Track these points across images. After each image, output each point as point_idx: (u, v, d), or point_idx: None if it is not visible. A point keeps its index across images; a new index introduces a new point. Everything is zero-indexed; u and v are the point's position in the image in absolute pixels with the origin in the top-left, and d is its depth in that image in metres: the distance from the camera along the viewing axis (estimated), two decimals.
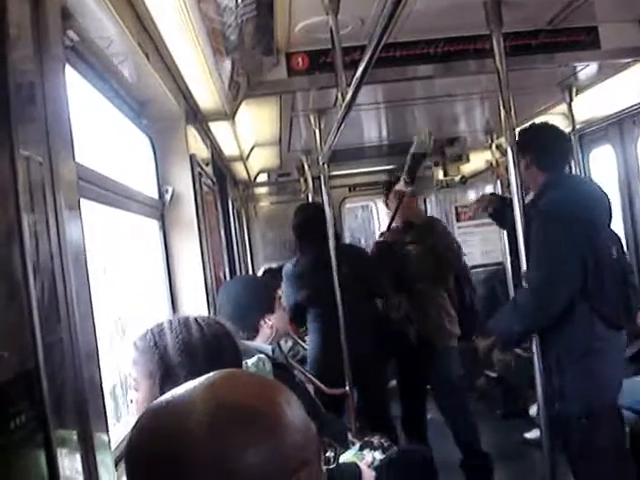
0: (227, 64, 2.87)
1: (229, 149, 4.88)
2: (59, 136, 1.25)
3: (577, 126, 4.51)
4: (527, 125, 3.36)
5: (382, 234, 4.81)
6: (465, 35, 3.26)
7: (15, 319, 1.01)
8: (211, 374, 0.94)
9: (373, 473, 2.51)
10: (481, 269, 6.96)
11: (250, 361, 2.36)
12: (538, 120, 3.62)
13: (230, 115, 3.63)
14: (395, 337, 4.33)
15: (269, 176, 7.42)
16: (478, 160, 6.73)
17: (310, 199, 6.16)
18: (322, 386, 3.41)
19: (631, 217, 4.95)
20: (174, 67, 2.68)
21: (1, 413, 0.93)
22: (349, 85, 2.27)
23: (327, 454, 1.04)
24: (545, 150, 3.10)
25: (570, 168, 4.09)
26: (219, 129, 4.02)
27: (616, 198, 4.73)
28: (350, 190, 8.24)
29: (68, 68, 1.66)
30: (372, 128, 5.58)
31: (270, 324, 2.79)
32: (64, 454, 1.08)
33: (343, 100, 2.47)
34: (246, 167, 6.08)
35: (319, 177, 3.91)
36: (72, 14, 1.74)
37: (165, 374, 1.67)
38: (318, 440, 0.93)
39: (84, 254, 1.31)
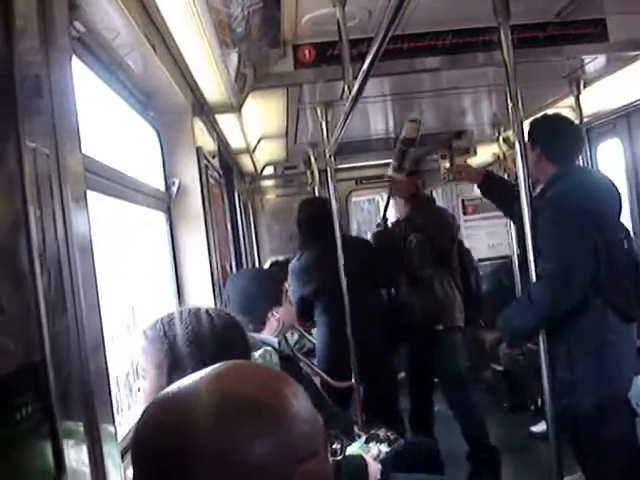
0: (234, 56, 2.87)
1: (235, 141, 4.88)
2: (66, 128, 1.25)
3: (585, 119, 4.49)
4: (538, 116, 3.34)
5: (378, 225, 4.81)
6: (472, 27, 3.25)
7: (21, 311, 1.01)
8: (217, 365, 0.94)
9: (379, 466, 2.51)
10: (488, 262, 6.95)
11: (257, 353, 2.36)
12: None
13: (237, 107, 3.63)
14: (404, 326, 4.32)
15: (275, 169, 7.41)
16: (485, 153, 6.71)
17: (316, 192, 6.16)
18: (328, 379, 3.41)
19: (638, 211, 4.93)
20: (181, 59, 2.67)
21: (7, 404, 0.93)
22: (356, 77, 2.27)
23: (334, 446, 1.04)
24: (554, 141, 3.08)
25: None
26: (225, 121, 4.02)
27: (624, 192, 4.70)
28: (357, 183, 8.22)
29: (74, 60, 1.66)
30: (379, 121, 5.56)
31: (277, 316, 2.80)
32: (70, 445, 1.08)
33: (350, 92, 2.46)
34: (252, 160, 6.07)
35: (325, 170, 3.91)
36: (79, 5, 1.74)
37: (173, 364, 1.68)
38: (325, 432, 0.93)
39: (90, 246, 1.31)
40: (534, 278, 2.41)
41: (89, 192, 1.45)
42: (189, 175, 3.14)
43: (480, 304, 4.83)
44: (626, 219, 4.45)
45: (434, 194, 8.06)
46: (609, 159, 5.29)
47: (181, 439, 0.84)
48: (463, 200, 7.57)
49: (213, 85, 3.12)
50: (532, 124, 3.10)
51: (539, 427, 4.71)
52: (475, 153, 6.84)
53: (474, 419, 4.38)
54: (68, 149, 1.24)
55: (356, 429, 3.00)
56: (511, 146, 4.07)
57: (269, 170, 7.32)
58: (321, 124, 4.00)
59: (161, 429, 0.87)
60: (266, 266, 6.78)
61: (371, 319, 4.00)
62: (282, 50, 3.26)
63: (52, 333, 1.06)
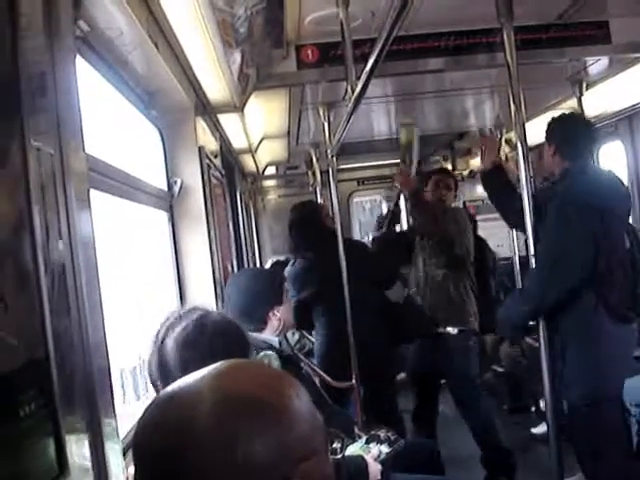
0: (237, 56, 2.87)
1: (238, 141, 4.88)
2: (70, 127, 1.25)
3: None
4: (556, 115, 3.38)
5: (379, 225, 4.78)
6: (475, 28, 3.25)
7: (25, 308, 1.02)
8: (218, 364, 0.94)
9: (379, 466, 2.51)
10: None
11: (258, 357, 2.36)
12: (548, 115, 3.63)
13: (239, 107, 3.63)
14: (411, 327, 4.29)
15: (277, 169, 7.42)
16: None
17: (318, 192, 6.16)
18: (328, 379, 3.41)
19: None
20: (184, 58, 2.68)
21: (11, 401, 0.93)
22: (359, 78, 2.27)
23: (334, 445, 1.04)
24: (568, 139, 3.18)
25: None
26: (228, 121, 4.02)
27: None
28: (359, 184, 8.23)
29: (78, 58, 1.67)
30: (381, 121, 5.57)
31: (278, 316, 2.80)
32: (73, 442, 1.09)
33: (352, 93, 2.46)
34: (254, 160, 6.08)
35: (327, 170, 3.91)
36: (83, 4, 1.75)
37: (166, 368, 1.68)
38: (325, 431, 0.94)
39: (93, 244, 1.31)
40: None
41: (92, 191, 1.45)
42: (191, 174, 3.15)
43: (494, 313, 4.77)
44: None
45: None
46: (611, 161, 5.29)
47: (182, 438, 0.84)
48: (464, 202, 7.55)
49: (216, 85, 3.13)
50: (549, 123, 3.24)
51: (540, 429, 4.70)
52: (477, 154, 6.82)
53: (486, 424, 4.34)
54: (72, 148, 1.24)
55: (356, 430, 3.00)
56: (513, 148, 4.05)
57: (271, 170, 7.32)
58: (323, 124, 4.00)
59: (162, 428, 0.87)
60: (267, 266, 6.78)
61: (370, 320, 3.98)
62: (285, 50, 3.26)
63: (55, 331, 1.06)
